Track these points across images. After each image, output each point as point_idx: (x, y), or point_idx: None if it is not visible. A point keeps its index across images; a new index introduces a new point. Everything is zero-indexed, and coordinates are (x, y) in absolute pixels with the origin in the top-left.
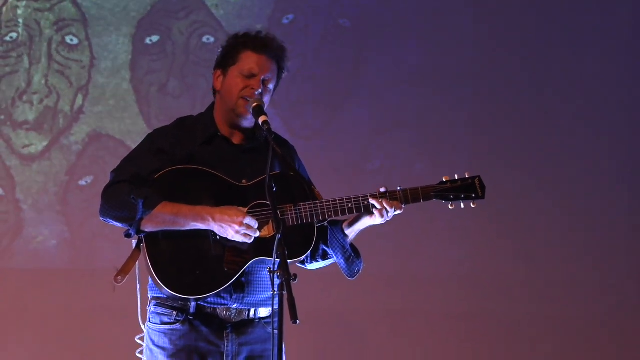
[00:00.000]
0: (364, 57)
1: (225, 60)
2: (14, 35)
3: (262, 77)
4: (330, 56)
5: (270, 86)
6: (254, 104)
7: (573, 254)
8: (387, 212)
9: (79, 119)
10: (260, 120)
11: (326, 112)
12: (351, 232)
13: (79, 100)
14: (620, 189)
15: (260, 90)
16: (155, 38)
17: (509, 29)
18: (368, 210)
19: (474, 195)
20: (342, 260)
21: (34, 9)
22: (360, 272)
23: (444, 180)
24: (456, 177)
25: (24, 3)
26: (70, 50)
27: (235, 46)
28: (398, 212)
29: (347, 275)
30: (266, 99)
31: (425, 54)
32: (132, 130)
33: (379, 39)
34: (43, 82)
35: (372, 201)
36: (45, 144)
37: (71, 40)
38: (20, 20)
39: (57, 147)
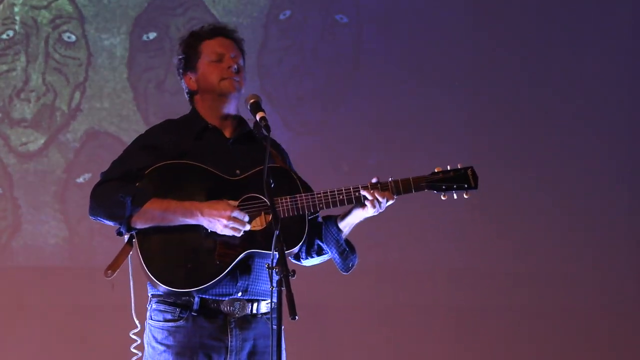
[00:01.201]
0: (363, 53)
1: (190, 61)
2: (11, 33)
3: (230, 54)
4: (328, 52)
5: (241, 62)
6: (251, 100)
7: (572, 251)
8: (379, 202)
9: (76, 116)
10: (258, 116)
11: (324, 109)
12: (345, 227)
13: (76, 98)
14: (620, 188)
15: (235, 66)
16: (152, 35)
17: (508, 27)
18: (360, 202)
19: (466, 186)
20: (336, 255)
21: (31, 7)
22: (355, 266)
23: (436, 171)
24: (448, 167)
25: (20, 1)
26: (67, 48)
27: (192, 45)
28: (390, 202)
29: (341, 270)
30: (244, 76)
31: (424, 50)
32: (129, 128)
33: (378, 34)
34: (40, 79)
35: (364, 192)
36: (42, 141)
37: (68, 37)
38: (17, 18)
39: (55, 144)
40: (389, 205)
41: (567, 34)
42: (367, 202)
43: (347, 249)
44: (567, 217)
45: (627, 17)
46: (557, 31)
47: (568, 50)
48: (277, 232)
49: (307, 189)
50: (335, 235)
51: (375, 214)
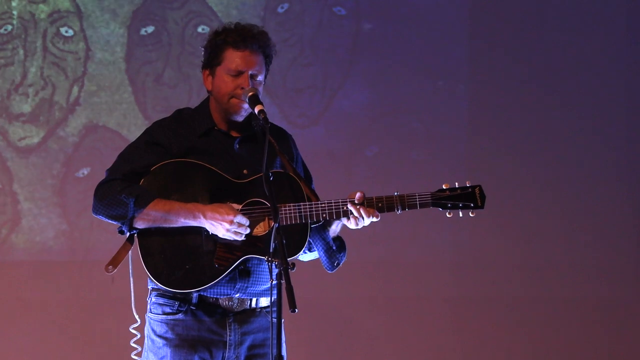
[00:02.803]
0: (360, 45)
1: (211, 60)
2: (9, 27)
3: (250, 72)
4: (326, 44)
5: (260, 78)
6: (250, 93)
7: (568, 243)
8: (363, 220)
9: (75, 110)
10: (256, 109)
11: (322, 100)
12: (331, 226)
13: (75, 92)
14: (618, 182)
15: (249, 88)
16: (150, 29)
17: (508, 17)
18: (347, 215)
19: (472, 205)
20: (322, 253)
21: (28, 1)
22: (341, 265)
23: (444, 187)
24: (456, 185)
25: None
26: (65, 42)
27: (217, 45)
28: (375, 219)
29: (326, 268)
30: (259, 91)
31: (422, 41)
32: (128, 121)
33: (375, 26)
34: (38, 74)
35: (351, 207)
36: (41, 136)
37: (66, 31)
38: (15, 13)
39: (54, 139)
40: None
41: (567, 34)
42: (351, 217)
43: (333, 247)
44: (564, 210)
45: (624, 16)
46: (556, 30)
47: (569, 49)
48: (276, 225)
49: (313, 193)
50: (322, 233)
51: (358, 228)
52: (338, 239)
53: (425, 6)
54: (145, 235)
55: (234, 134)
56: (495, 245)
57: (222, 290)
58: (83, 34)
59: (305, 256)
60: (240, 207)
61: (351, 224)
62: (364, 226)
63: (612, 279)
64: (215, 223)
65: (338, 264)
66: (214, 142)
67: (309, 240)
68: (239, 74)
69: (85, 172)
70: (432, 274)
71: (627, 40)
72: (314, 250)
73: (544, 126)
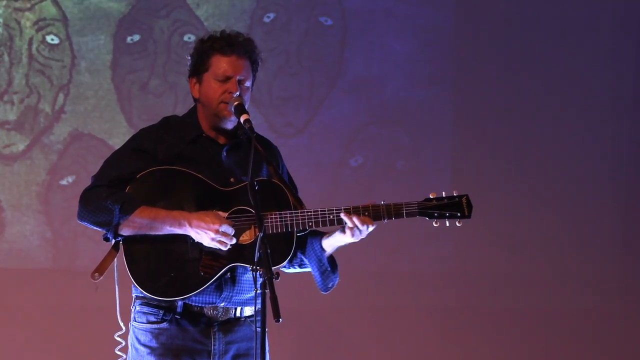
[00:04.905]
0: (347, 55)
1: (197, 67)
2: None
3: (237, 77)
4: (312, 54)
5: (247, 84)
6: (235, 103)
7: (558, 252)
8: (359, 230)
9: (60, 118)
10: (242, 118)
11: (308, 110)
12: (328, 247)
13: (60, 100)
14: (608, 190)
15: (238, 92)
16: (136, 37)
17: (493, 27)
18: (333, 223)
19: (459, 214)
20: (317, 273)
21: (14, 9)
22: (334, 287)
23: (430, 197)
24: (443, 194)
25: (3, 2)
26: (50, 50)
27: (204, 52)
28: (371, 228)
29: (320, 289)
30: (246, 98)
31: (408, 51)
32: (113, 130)
33: (362, 36)
34: (24, 81)
35: (343, 216)
36: (26, 143)
37: (52, 39)
38: (0, 20)
39: (39, 146)
40: (370, 232)
41: (563, 34)
42: (346, 228)
43: (328, 268)
44: (551, 220)
45: (610, 20)
46: (541, 40)
47: (553, 58)
48: (261, 234)
49: (299, 201)
50: (318, 253)
51: (356, 240)
52: (330, 259)
53: (411, 17)
54: (130, 242)
55: (222, 141)
56: (483, 255)
57: (207, 299)
58: (69, 41)
59: (291, 270)
60: (226, 215)
61: (348, 237)
62: (361, 239)
63: (599, 290)
64: (200, 231)
65: (332, 286)
66: (201, 149)
67: (301, 258)
68: (226, 79)
69: (70, 180)
70: (419, 284)
71: (611, 45)
72: (305, 267)
73: (530, 135)
